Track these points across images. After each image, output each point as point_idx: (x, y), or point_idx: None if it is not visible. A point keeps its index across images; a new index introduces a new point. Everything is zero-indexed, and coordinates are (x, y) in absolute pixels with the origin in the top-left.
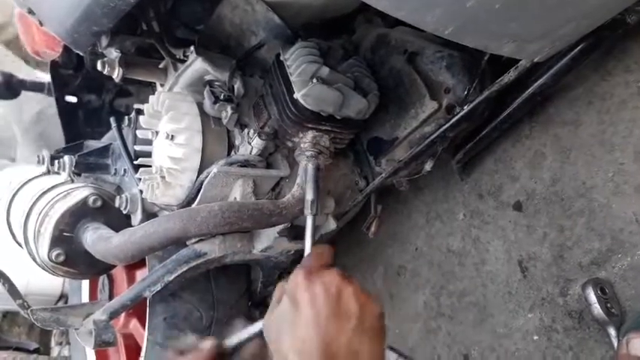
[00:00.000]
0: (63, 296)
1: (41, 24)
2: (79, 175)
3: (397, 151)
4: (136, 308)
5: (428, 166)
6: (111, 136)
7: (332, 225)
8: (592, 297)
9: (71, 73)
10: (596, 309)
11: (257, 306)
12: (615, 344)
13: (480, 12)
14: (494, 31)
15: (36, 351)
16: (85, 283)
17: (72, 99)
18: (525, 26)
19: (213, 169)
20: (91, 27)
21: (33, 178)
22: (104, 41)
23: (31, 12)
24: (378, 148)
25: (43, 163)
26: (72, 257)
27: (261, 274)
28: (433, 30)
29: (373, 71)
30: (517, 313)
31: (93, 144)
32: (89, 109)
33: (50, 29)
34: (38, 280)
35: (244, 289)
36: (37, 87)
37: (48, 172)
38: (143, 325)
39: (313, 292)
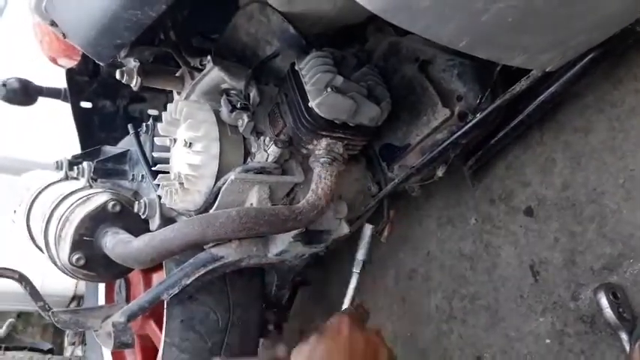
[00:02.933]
0: (75, 297)
1: (64, 36)
2: (96, 180)
3: (409, 158)
4: (153, 310)
5: (440, 172)
6: (128, 142)
7: (345, 229)
8: (604, 301)
9: (87, 79)
10: (608, 313)
11: (271, 308)
12: (627, 349)
13: (493, 25)
14: (507, 44)
15: (50, 351)
16: (102, 286)
17: (87, 105)
18: (537, 38)
19: (231, 175)
20: (113, 40)
21: (52, 184)
22: (123, 52)
23: (54, 24)
24: (390, 155)
25: (62, 168)
26: (92, 261)
27: (275, 278)
28: (447, 43)
29: (385, 79)
30: (529, 317)
31: (110, 150)
32: (104, 114)
33: (73, 41)
34: (52, 282)
35: (259, 291)
36: (53, 93)
37: (66, 178)
38: (160, 327)
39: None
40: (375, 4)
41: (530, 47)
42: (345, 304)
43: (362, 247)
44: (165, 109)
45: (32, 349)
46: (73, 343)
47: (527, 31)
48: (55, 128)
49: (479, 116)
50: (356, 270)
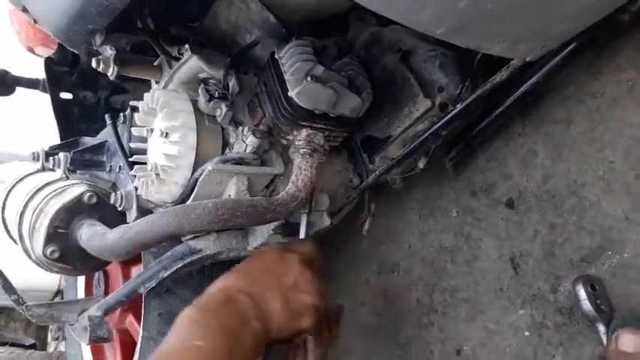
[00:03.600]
0: (60, 292)
1: (35, 22)
2: (74, 172)
3: (391, 149)
4: (132, 304)
5: (421, 164)
6: (106, 133)
7: (326, 221)
8: (582, 293)
9: (66, 69)
10: (586, 305)
11: None
12: (604, 340)
13: (471, 12)
14: (486, 32)
15: (32, 346)
16: (81, 279)
17: (67, 96)
18: (517, 26)
19: (208, 166)
20: (85, 26)
21: (28, 175)
22: (99, 39)
23: (25, 10)
24: (371, 146)
25: (38, 159)
26: (67, 254)
27: None
28: (425, 30)
29: (367, 69)
30: (508, 310)
31: (88, 141)
32: (84, 105)
33: (45, 27)
34: (35, 276)
35: None
36: (32, 84)
37: (43, 169)
38: (139, 321)
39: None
40: None
41: (509, 35)
42: None
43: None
44: None
45: (14, 345)
46: (57, 338)
47: (506, 18)
48: (37, 118)
49: (459, 107)
50: None
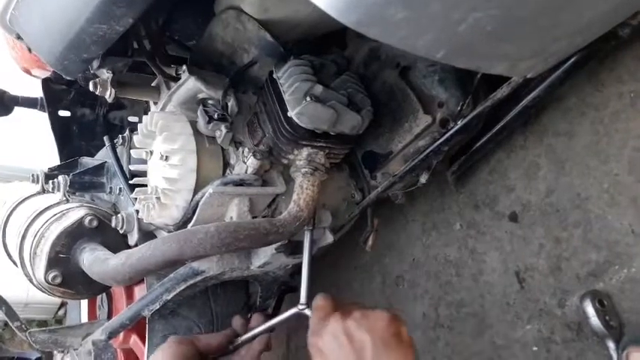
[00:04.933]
0: (63, 304)
1: (30, 50)
2: (74, 193)
3: (392, 165)
4: (136, 324)
5: (423, 179)
6: (105, 154)
7: (329, 238)
8: (590, 309)
9: (64, 87)
10: (595, 321)
11: None
12: (614, 357)
13: (471, 35)
14: (486, 53)
15: None
16: (84, 300)
17: (65, 113)
18: (517, 46)
19: (209, 189)
20: (80, 55)
21: (27, 198)
22: (95, 64)
23: (19, 38)
24: (373, 162)
25: (37, 181)
26: (69, 278)
27: (259, 289)
28: (424, 54)
29: (366, 86)
30: (515, 324)
31: (87, 162)
32: (83, 123)
33: (39, 56)
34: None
35: (243, 302)
36: (29, 103)
37: (42, 191)
38: (143, 341)
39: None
40: (349, 17)
41: (510, 55)
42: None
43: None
44: (145, 115)
45: (19, 359)
46: (62, 351)
47: (506, 39)
48: (43, 135)
49: (460, 123)
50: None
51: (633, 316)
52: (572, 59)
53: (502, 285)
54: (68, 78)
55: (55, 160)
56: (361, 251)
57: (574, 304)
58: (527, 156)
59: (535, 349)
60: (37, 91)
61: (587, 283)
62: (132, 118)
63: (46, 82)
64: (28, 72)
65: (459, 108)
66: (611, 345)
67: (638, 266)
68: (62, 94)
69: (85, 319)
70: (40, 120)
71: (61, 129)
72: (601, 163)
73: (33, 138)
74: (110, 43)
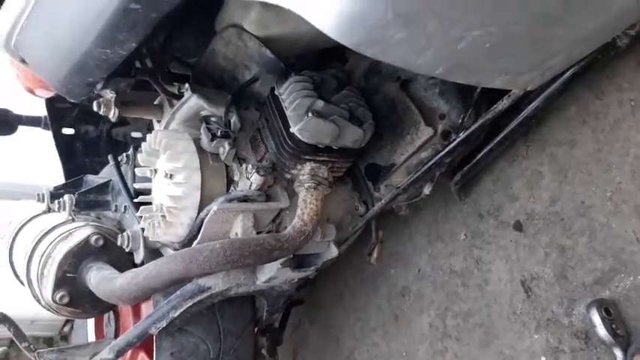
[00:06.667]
0: (69, 321)
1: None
2: (79, 212)
3: (395, 177)
4: (143, 341)
5: (427, 190)
6: (109, 171)
7: (334, 252)
8: (597, 318)
9: (67, 105)
10: (602, 331)
11: (263, 333)
12: None
13: (471, 52)
14: (485, 68)
15: None
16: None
17: (69, 131)
18: (515, 61)
19: (214, 206)
20: (85, 78)
21: (34, 217)
22: (99, 85)
23: (23, 62)
24: (375, 174)
25: (43, 200)
26: (76, 298)
27: (265, 303)
28: (424, 72)
29: (367, 99)
30: (523, 334)
31: (92, 180)
32: (86, 140)
33: (44, 79)
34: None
35: (250, 317)
36: (33, 121)
37: (48, 210)
38: (150, 357)
39: None
40: (349, 39)
41: (509, 70)
42: None
43: None
44: (148, 131)
45: None
46: None
47: (505, 55)
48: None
49: (462, 135)
50: None
51: None
52: (571, 70)
53: (508, 294)
54: (72, 101)
55: (58, 177)
56: (366, 263)
57: (581, 313)
58: (530, 165)
59: (543, 359)
60: (40, 109)
61: (594, 291)
62: (135, 134)
63: (49, 102)
64: (31, 92)
65: (460, 120)
66: (618, 354)
67: None
68: (66, 112)
69: (92, 337)
70: (44, 137)
71: (65, 146)
72: (603, 171)
73: (37, 155)
74: (114, 66)
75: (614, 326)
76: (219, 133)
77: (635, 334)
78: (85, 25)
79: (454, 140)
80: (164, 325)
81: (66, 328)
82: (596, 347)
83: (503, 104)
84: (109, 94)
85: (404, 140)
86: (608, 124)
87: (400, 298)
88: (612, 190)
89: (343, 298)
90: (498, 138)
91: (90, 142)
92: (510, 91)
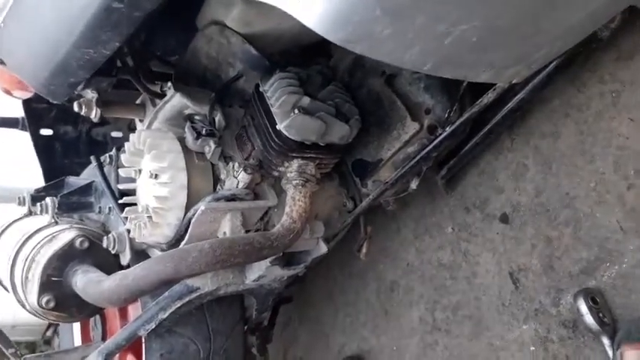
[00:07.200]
0: (51, 325)
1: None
2: (62, 214)
3: (382, 172)
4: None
5: (414, 185)
6: (91, 172)
7: (323, 249)
8: (583, 307)
9: (45, 106)
10: (589, 319)
11: (253, 332)
12: (610, 353)
13: (457, 47)
14: (471, 62)
15: None
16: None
17: (47, 132)
18: (501, 55)
19: (201, 206)
20: (67, 79)
21: (15, 221)
22: (80, 86)
23: (1, 62)
24: (362, 170)
25: (24, 204)
26: (62, 302)
27: (255, 302)
28: (411, 67)
29: (352, 94)
30: (512, 325)
31: (74, 181)
32: (66, 140)
33: (24, 80)
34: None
35: (239, 316)
36: (10, 123)
37: (30, 213)
38: (139, 359)
39: None
40: (336, 35)
41: (495, 64)
42: None
43: None
44: (129, 131)
45: None
46: None
47: (491, 49)
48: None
49: (448, 129)
50: None
51: (626, 312)
52: (554, 63)
53: (497, 286)
54: (54, 102)
55: (37, 179)
56: (354, 259)
57: (568, 302)
58: (515, 158)
59: (532, 348)
60: (16, 111)
61: (580, 280)
62: (115, 134)
63: (27, 103)
64: (8, 93)
65: (446, 114)
66: (606, 341)
67: (629, 262)
68: (44, 113)
69: (78, 341)
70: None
71: (43, 148)
72: (587, 162)
73: (15, 157)
74: (97, 66)
75: (600, 315)
76: (204, 132)
77: (622, 322)
78: (67, 24)
79: (440, 135)
80: (153, 327)
81: (49, 332)
82: (583, 336)
83: (488, 98)
84: (90, 94)
85: (390, 135)
86: (591, 116)
87: (389, 293)
88: (596, 181)
89: (332, 295)
90: (483, 131)
91: (69, 142)
92: (495, 84)
